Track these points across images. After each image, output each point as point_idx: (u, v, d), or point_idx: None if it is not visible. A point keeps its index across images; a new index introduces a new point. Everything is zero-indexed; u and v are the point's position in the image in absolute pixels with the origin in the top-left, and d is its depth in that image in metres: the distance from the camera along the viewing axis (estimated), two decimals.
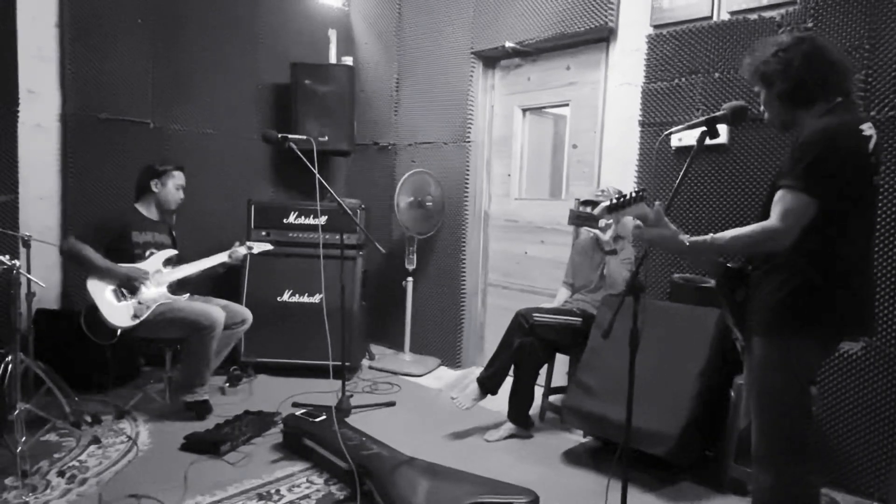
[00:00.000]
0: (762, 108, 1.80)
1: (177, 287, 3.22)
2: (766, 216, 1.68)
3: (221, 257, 3.30)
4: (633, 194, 1.71)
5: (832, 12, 2.60)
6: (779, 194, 1.61)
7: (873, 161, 1.66)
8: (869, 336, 1.75)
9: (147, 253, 3.17)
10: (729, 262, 1.87)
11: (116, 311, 2.97)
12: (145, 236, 3.20)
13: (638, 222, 1.70)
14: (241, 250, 3.36)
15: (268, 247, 3.52)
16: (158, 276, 3.13)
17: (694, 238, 1.68)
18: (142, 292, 3.04)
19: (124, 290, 3.02)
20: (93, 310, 2.94)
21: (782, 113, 1.76)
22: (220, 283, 3.43)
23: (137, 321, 2.99)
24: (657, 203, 1.71)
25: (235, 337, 3.36)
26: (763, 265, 1.74)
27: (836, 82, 1.70)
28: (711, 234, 1.67)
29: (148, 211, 3.27)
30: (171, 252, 3.27)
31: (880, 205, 2.45)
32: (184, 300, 3.17)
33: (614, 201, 1.72)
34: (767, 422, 1.72)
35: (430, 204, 4.14)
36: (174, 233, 3.40)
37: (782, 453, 1.71)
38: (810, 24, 2.65)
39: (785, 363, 1.68)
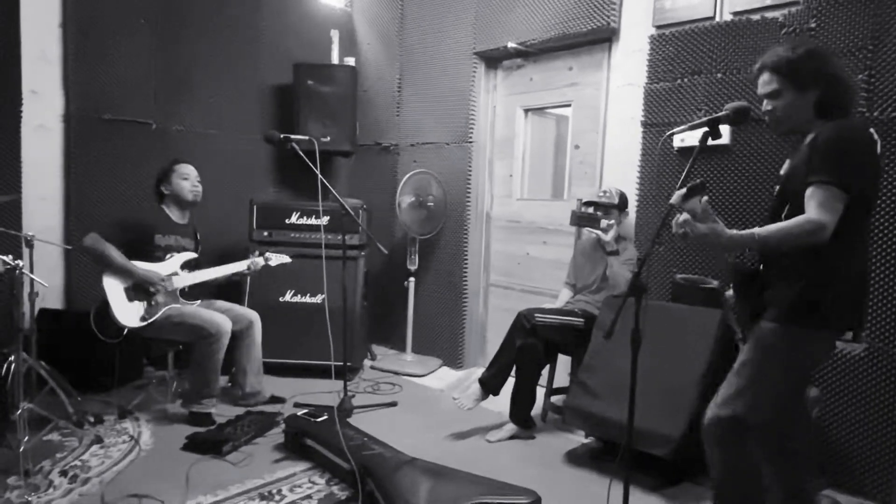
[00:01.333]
0: (774, 106, 1.80)
1: (191, 291, 3.22)
2: (774, 218, 1.70)
3: (240, 266, 3.28)
4: (698, 182, 1.74)
5: (835, 13, 2.60)
6: (810, 190, 1.65)
7: (880, 165, 1.71)
8: (859, 329, 1.82)
9: (167, 256, 3.17)
10: (747, 263, 1.91)
11: (127, 310, 2.97)
12: (168, 239, 3.20)
13: (687, 216, 1.69)
14: (260, 261, 3.34)
15: (286, 259, 3.49)
16: (174, 279, 3.13)
17: (739, 232, 1.70)
18: (154, 296, 3.04)
19: (138, 291, 3.02)
20: (104, 306, 2.95)
21: (805, 117, 1.78)
22: (223, 283, 3.44)
23: (145, 323, 3.00)
24: (704, 199, 1.72)
25: (255, 341, 3.32)
26: (777, 264, 1.78)
27: (852, 98, 1.80)
28: (757, 228, 1.69)
29: (172, 212, 3.27)
30: (191, 255, 3.27)
31: (885, 205, 2.45)
32: (194, 306, 3.17)
33: (686, 190, 1.72)
34: (749, 402, 1.77)
35: (432, 204, 4.13)
36: (199, 236, 3.40)
37: (736, 432, 1.79)
38: (813, 25, 2.64)
39: (789, 354, 1.74)
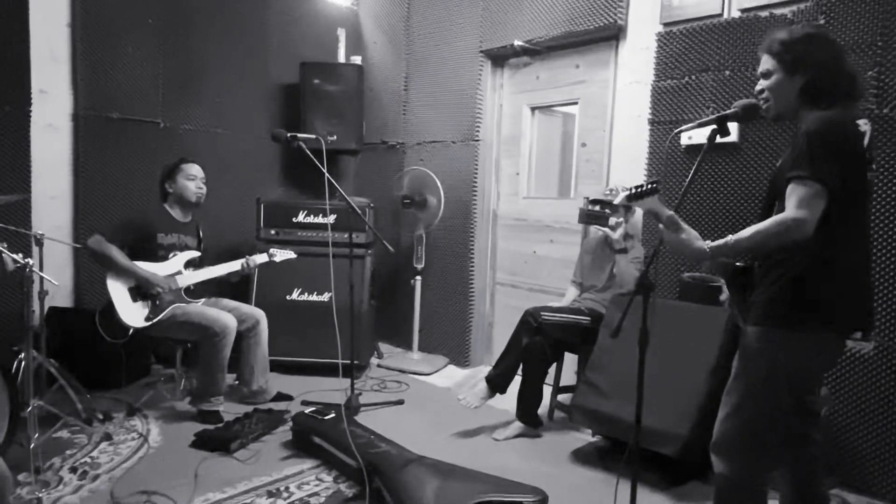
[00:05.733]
0: (763, 87, 1.76)
1: (196, 289, 3.23)
2: (767, 214, 1.67)
3: (236, 265, 3.28)
4: (651, 185, 1.72)
5: (844, 9, 2.58)
6: (790, 187, 1.60)
7: (868, 156, 1.66)
8: (866, 330, 1.74)
9: (170, 255, 3.18)
10: (738, 261, 1.86)
11: (131, 310, 2.99)
12: (170, 238, 3.20)
13: (661, 226, 1.70)
14: (258, 259, 3.35)
15: (290, 255, 3.50)
16: (178, 278, 3.14)
17: (714, 243, 1.67)
18: (159, 296, 3.06)
19: (142, 291, 3.04)
20: (109, 307, 2.96)
21: (790, 102, 1.73)
22: (230, 281, 3.45)
23: (150, 323, 3.01)
24: (671, 213, 1.71)
25: (262, 339, 3.33)
26: (765, 262, 1.73)
27: (850, 90, 1.71)
28: (731, 236, 1.65)
29: (174, 211, 3.28)
30: (194, 254, 3.28)
31: (889, 201, 2.43)
32: (198, 305, 3.18)
33: (634, 191, 1.73)
34: (738, 409, 1.73)
35: (408, 201, 4.16)
36: (201, 234, 3.41)
37: (741, 445, 1.72)
38: (822, 21, 2.62)
39: (772, 354, 1.68)
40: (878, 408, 2.48)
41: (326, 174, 2.99)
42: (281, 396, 3.38)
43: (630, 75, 3.39)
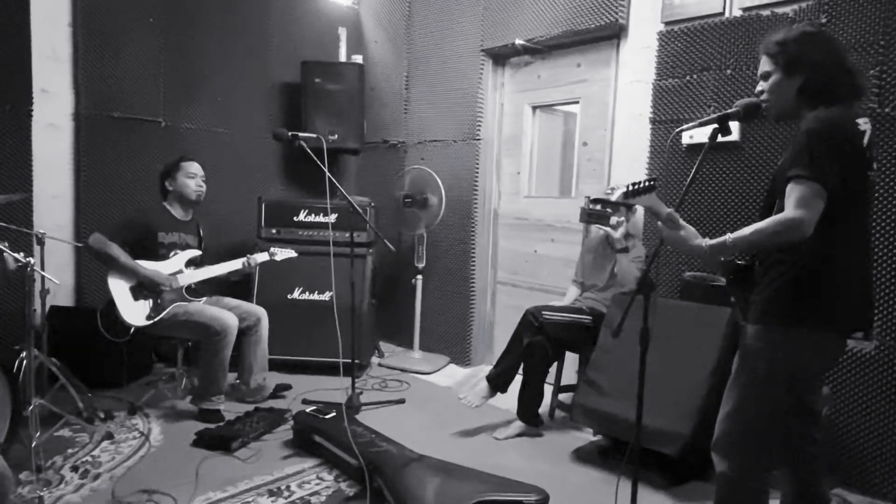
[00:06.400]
0: (763, 88, 1.76)
1: (197, 288, 3.24)
2: (767, 213, 1.67)
3: (237, 264, 3.27)
4: (648, 182, 1.73)
5: (846, 8, 2.57)
6: (790, 186, 1.59)
7: (868, 156, 1.65)
8: (866, 330, 1.74)
9: (171, 254, 3.18)
10: (738, 259, 1.86)
11: (133, 309, 2.99)
12: (171, 237, 3.20)
13: (659, 223, 1.70)
14: (259, 258, 3.35)
15: (291, 254, 3.49)
16: (179, 277, 3.14)
17: (712, 241, 1.67)
18: (160, 295, 3.06)
19: (143, 290, 3.04)
20: (111, 306, 2.97)
21: (789, 102, 1.72)
22: (230, 280, 3.45)
23: (151, 322, 3.01)
24: (670, 210, 1.71)
25: (262, 338, 3.33)
26: (765, 261, 1.73)
27: (850, 89, 1.70)
28: (730, 234, 1.65)
29: (175, 210, 3.28)
30: (195, 253, 3.28)
31: (889, 201, 2.43)
32: (200, 304, 3.18)
33: (631, 187, 1.73)
34: (738, 408, 1.73)
35: (411, 199, 4.16)
36: (202, 232, 3.41)
37: (741, 444, 1.72)
38: (824, 20, 2.62)
39: (772, 353, 1.67)
40: (880, 407, 2.47)
41: (327, 173, 2.99)
42: (279, 389, 3.39)
43: (631, 74, 3.38)
